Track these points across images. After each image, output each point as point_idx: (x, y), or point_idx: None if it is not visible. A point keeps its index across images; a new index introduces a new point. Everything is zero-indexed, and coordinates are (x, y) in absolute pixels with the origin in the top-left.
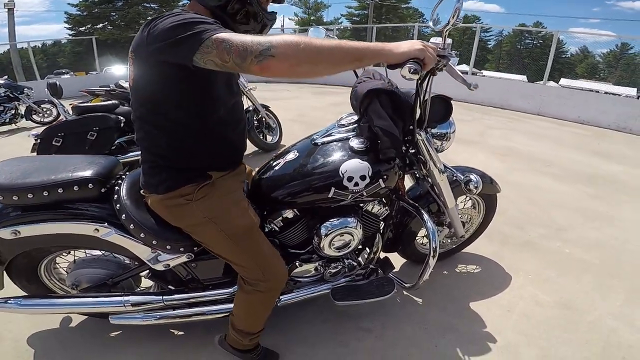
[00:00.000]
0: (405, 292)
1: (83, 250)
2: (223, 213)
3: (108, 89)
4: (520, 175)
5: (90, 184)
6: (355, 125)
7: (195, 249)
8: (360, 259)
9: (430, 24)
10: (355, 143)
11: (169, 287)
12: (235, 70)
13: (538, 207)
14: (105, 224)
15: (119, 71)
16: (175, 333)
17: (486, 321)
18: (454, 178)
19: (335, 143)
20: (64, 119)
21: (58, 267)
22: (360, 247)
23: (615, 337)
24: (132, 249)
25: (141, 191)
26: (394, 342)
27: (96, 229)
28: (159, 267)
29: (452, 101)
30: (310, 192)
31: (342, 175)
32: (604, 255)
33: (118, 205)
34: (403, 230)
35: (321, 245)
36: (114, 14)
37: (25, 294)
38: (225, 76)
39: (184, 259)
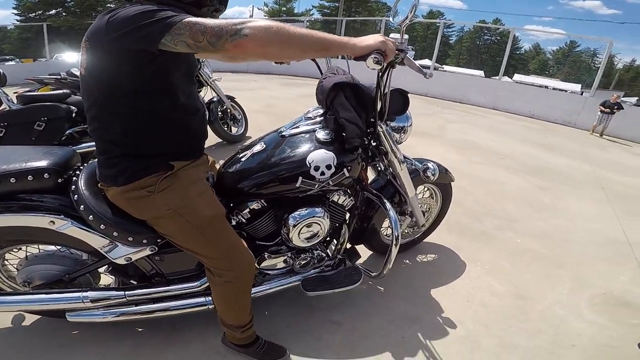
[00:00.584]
0: (370, 282)
1: (36, 246)
2: (188, 204)
3: (59, 77)
4: (477, 168)
5: (45, 174)
6: (321, 118)
7: (158, 241)
8: (328, 250)
9: (391, 18)
10: (321, 134)
11: (131, 282)
12: (208, 49)
13: (493, 199)
14: (62, 216)
15: (71, 58)
16: (139, 330)
17: (448, 312)
18: (413, 167)
19: (302, 135)
20: (7, 108)
21: (7, 263)
22: (328, 238)
23: (564, 326)
24: (90, 242)
25: (99, 184)
26: (364, 334)
27: (51, 221)
28: (121, 260)
29: (413, 95)
30: (278, 182)
31: (309, 165)
32: (551, 245)
33: (76, 196)
34: (368, 221)
35: (290, 236)
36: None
37: None
38: (185, 64)
39: (147, 252)
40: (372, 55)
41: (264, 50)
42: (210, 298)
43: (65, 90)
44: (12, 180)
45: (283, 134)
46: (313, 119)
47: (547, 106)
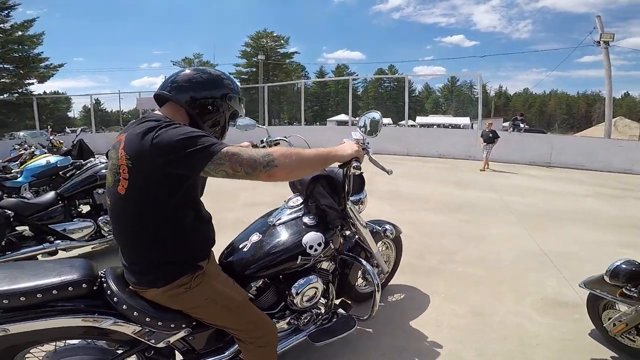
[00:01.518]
0: (359, 327)
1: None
2: (220, 293)
3: None
4: (409, 215)
5: (83, 284)
6: (301, 205)
7: (193, 323)
8: (322, 307)
9: (358, 132)
10: (307, 219)
11: None
12: (243, 178)
13: (430, 238)
14: (104, 315)
15: None
16: None
17: (426, 337)
18: (374, 230)
19: (290, 222)
20: None
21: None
22: (320, 298)
23: (523, 330)
24: (132, 333)
25: (130, 287)
26: None
27: (95, 319)
28: (161, 344)
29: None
30: (281, 263)
31: (305, 246)
32: (486, 267)
33: (115, 298)
34: (345, 278)
35: (295, 302)
36: None
37: None
38: (202, 180)
39: (182, 333)
40: (354, 164)
41: (289, 176)
42: None
43: None
44: (55, 292)
45: (273, 223)
46: (295, 206)
47: (449, 144)
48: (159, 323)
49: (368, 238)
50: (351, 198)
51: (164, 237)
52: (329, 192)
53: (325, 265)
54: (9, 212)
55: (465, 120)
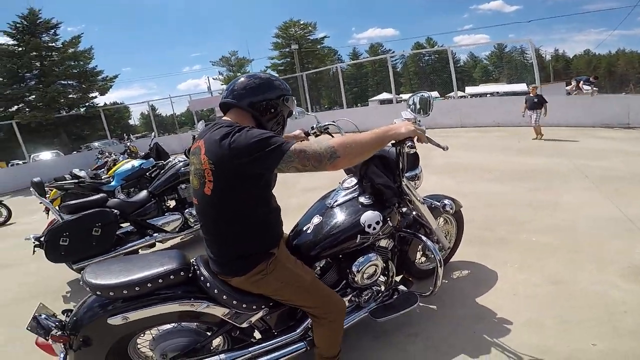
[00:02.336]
0: (422, 304)
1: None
2: (292, 275)
3: (75, 181)
4: (471, 186)
5: (181, 272)
6: (356, 185)
7: (270, 303)
8: (382, 285)
9: (408, 112)
10: (364, 199)
11: (244, 341)
12: (311, 170)
13: (496, 209)
14: (199, 299)
15: (47, 157)
16: None
17: (502, 307)
18: (432, 205)
19: (347, 203)
20: (58, 219)
21: (139, 347)
22: (381, 276)
23: (608, 298)
24: (220, 315)
25: (217, 275)
26: (440, 338)
27: (192, 304)
28: (245, 324)
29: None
30: (342, 243)
31: (363, 225)
32: (562, 236)
33: (208, 283)
34: (404, 255)
35: (356, 279)
36: (29, 95)
37: None
38: (274, 176)
39: (261, 314)
40: (408, 144)
41: (351, 162)
42: (305, 342)
43: (102, 195)
44: (160, 281)
45: (331, 205)
46: (350, 187)
47: (506, 112)
48: (243, 305)
49: (426, 214)
50: (406, 175)
51: (243, 231)
52: (383, 171)
53: (384, 243)
54: (116, 211)
55: (522, 87)
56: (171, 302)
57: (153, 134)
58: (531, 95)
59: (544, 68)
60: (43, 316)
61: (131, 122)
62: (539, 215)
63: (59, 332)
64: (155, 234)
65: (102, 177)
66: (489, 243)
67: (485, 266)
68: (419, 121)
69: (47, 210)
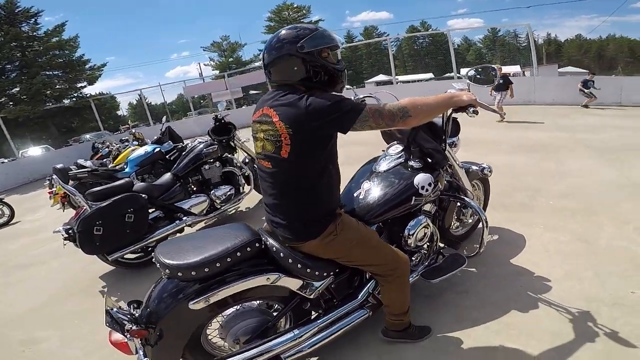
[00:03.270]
0: (461, 269)
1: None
2: (359, 234)
3: (89, 170)
4: (484, 158)
5: (257, 244)
6: (402, 152)
7: (336, 270)
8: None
9: (460, 83)
10: (414, 163)
11: (309, 315)
12: (383, 128)
13: (512, 178)
14: (273, 272)
15: (37, 152)
16: None
17: (538, 263)
18: (470, 169)
19: (395, 168)
20: (87, 207)
21: (210, 337)
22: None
23: (632, 252)
24: (292, 286)
25: (286, 245)
26: (490, 292)
27: (267, 278)
28: (314, 294)
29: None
30: (397, 206)
31: (417, 187)
32: (577, 199)
33: (281, 254)
34: (442, 221)
35: (409, 242)
36: (12, 87)
37: None
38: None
39: (328, 281)
40: (471, 110)
41: (420, 121)
42: (366, 309)
43: (126, 179)
44: (238, 254)
45: (380, 170)
46: (396, 154)
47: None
48: (316, 273)
49: (464, 177)
50: (448, 141)
51: (315, 193)
52: (431, 137)
53: (428, 207)
54: (144, 195)
55: (516, 68)
56: (249, 278)
57: (164, 118)
58: (499, 75)
59: (537, 51)
60: (115, 309)
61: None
62: (551, 181)
63: (136, 326)
64: (185, 218)
65: (109, 166)
66: (511, 208)
67: (512, 230)
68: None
69: (62, 201)
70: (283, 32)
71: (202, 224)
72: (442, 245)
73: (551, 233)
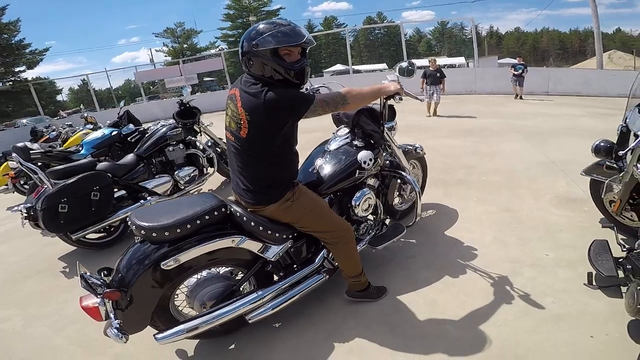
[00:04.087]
0: (403, 240)
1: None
2: (313, 202)
3: (42, 151)
4: (427, 142)
5: (222, 209)
6: (348, 134)
7: (295, 234)
8: (373, 221)
9: (393, 75)
10: (357, 142)
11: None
12: (328, 113)
13: (451, 158)
14: (238, 235)
15: None
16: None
17: (471, 231)
18: (406, 149)
19: (342, 147)
20: (49, 186)
21: (178, 306)
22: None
23: (547, 220)
24: (254, 249)
25: (248, 209)
26: (434, 255)
27: (233, 240)
28: (275, 257)
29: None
30: (344, 179)
31: (360, 162)
32: (505, 176)
33: (244, 217)
34: (385, 195)
35: (356, 212)
36: None
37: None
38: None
39: (288, 245)
40: (397, 97)
41: (355, 106)
42: (322, 274)
43: (90, 159)
44: (207, 217)
45: (330, 149)
46: (343, 135)
47: (449, 82)
48: (276, 234)
49: (401, 156)
50: (386, 125)
51: (277, 164)
52: (371, 121)
53: (371, 181)
54: (109, 174)
55: (461, 60)
56: (216, 240)
57: (122, 102)
58: (431, 69)
59: (480, 43)
60: (88, 274)
61: (59, 98)
62: (484, 160)
63: (110, 289)
64: (149, 198)
65: (58, 148)
66: (450, 184)
67: (449, 203)
68: (399, 81)
69: (13, 182)
70: (259, 26)
71: None
72: (386, 218)
73: (482, 205)
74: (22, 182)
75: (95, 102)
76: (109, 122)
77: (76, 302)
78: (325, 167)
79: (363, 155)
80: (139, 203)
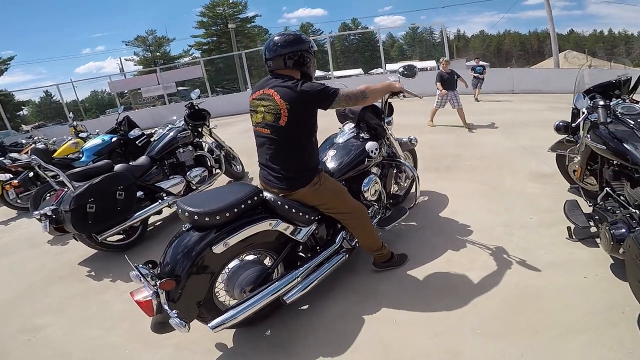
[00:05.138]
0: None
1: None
2: (335, 186)
3: (22, 163)
4: (418, 137)
5: (260, 194)
6: (354, 128)
7: (318, 216)
8: (380, 205)
9: (394, 76)
10: (364, 135)
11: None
12: (351, 105)
13: (438, 149)
14: (273, 219)
15: None
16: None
17: (465, 203)
18: (401, 141)
19: (350, 139)
20: (70, 188)
21: (220, 296)
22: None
23: (525, 192)
24: (286, 231)
25: (281, 195)
26: (434, 233)
27: (270, 223)
28: (304, 238)
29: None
30: (355, 166)
31: (368, 151)
32: (488, 160)
33: (279, 202)
34: (385, 183)
35: (366, 196)
36: None
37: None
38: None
39: (314, 227)
40: (401, 95)
41: (372, 100)
42: (343, 253)
43: (106, 161)
44: (249, 201)
45: (338, 142)
46: (350, 130)
47: (425, 84)
48: (306, 216)
49: (398, 147)
50: (386, 120)
51: (306, 150)
52: (374, 116)
53: (375, 170)
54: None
55: (432, 63)
56: (256, 223)
57: (121, 108)
58: (444, 72)
59: (449, 47)
60: (140, 266)
61: (20, 112)
62: (468, 149)
63: (164, 279)
64: (167, 198)
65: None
66: (440, 170)
67: (443, 184)
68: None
69: (16, 192)
70: (300, 34)
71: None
72: (389, 202)
73: (470, 183)
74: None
75: (66, 113)
76: (97, 130)
77: (118, 301)
78: (337, 157)
79: (370, 145)
80: (157, 203)
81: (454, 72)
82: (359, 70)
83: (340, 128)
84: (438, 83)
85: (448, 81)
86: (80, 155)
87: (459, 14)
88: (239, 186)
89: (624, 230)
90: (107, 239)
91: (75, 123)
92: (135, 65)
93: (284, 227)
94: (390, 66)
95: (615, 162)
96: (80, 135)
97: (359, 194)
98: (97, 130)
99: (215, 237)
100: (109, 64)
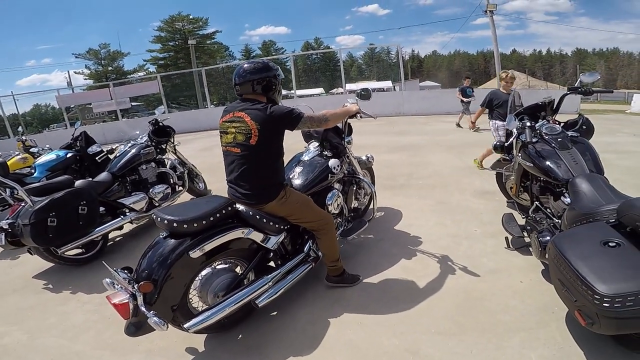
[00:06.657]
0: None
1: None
2: (301, 198)
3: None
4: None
5: (233, 205)
6: (318, 146)
7: (287, 226)
8: (342, 217)
9: (352, 99)
10: (327, 153)
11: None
12: (313, 128)
13: (392, 168)
14: (245, 228)
15: None
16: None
17: (418, 218)
18: (360, 159)
19: (315, 157)
20: (29, 202)
21: (193, 303)
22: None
23: (471, 208)
24: (258, 239)
25: (253, 207)
26: (394, 238)
27: (243, 231)
28: (274, 246)
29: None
30: (320, 182)
31: (331, 168)
32: (435, 179)
33: (250, 212)
34: (346, 197)
35: (330, 209)
36: None
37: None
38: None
39: (283, 235)
40: (359, 115)
41: (333, 123)
42: (309, 262)
43: (67, 176)
44: (224, 211)
45: (304, 159)
46: (314, 148)
47: (382, 105)
48: (275, 225)
49: (356, 165)
50: (346, 139)
51: (274, 167)
52: (336, 136)
53: (337, 185)
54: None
55: (388, 84)
56: (230, 231)
57: (78, 123)
58: (504, 92)
59: (403, 67)
60: (118, 270)
61: None
62: (419, 169)
63: (143, 281)
64: (129, 214)
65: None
66: (395, 187)
67: (398, 200)
68: (357, 103)
69: None
70: (268, 62)
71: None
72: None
73: (423, 200)
74: None
75: (8, 128)
76: (48, 145)
77: (80, 312)
78: (304, 174)
79: (333, 162)
80: (120, 218)
81: (517, 93)
82: (321, 90)
83: (305, 147)
84: (482, 107)
85: (503, 105)
86: (33, 171)
87: (413, 34)
88: (214, 198)
89: (548, 237)
90: (66, 253)
91: (24, 137)
92: (85, 79)
93: (256, 236)
94: (349, 86)
95: (542, 179)
96: (31, 150)
97: (323, 207)
98: (48, 145)
99: (192, 243)
100: (55, 77)
